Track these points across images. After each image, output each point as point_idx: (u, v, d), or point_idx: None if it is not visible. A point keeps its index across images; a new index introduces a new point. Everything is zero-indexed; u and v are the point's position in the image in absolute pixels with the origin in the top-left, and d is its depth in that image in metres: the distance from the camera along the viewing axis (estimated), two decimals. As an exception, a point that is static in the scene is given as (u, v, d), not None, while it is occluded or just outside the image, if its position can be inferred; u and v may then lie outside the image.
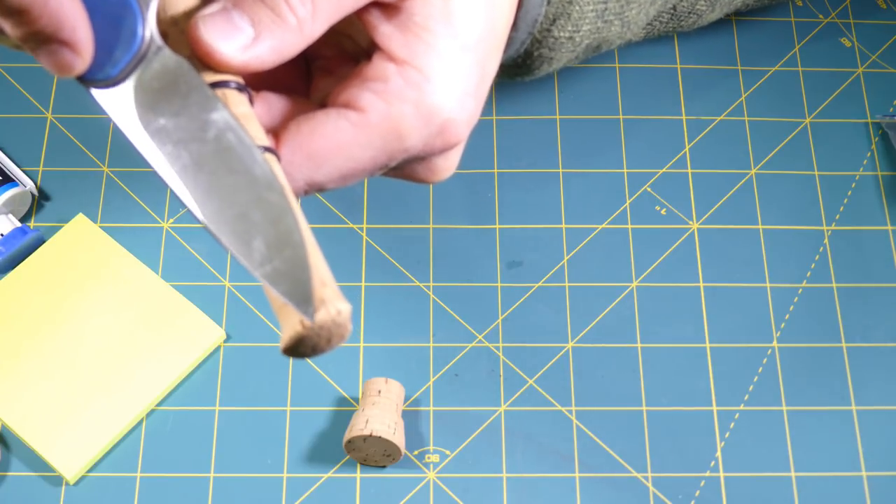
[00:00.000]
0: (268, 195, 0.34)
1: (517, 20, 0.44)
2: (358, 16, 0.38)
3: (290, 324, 0.33)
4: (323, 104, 0.39)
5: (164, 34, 0.35)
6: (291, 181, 0.37)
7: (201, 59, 0.35)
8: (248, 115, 0.36)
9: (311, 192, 0.38)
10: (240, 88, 0.36)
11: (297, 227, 0.34)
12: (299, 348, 0.34)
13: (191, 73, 0.35)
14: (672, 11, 0.58)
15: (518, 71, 0.50)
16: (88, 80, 0.34)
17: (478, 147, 0.68)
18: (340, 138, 0.37)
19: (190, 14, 0.36)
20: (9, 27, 0.32)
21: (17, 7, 0.30)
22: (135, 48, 0.34)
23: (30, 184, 0.65)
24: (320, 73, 0.42)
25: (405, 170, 0.40)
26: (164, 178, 0.34)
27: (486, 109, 0.70)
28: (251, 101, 0.37)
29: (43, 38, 0.32)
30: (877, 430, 0.62)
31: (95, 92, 0.34)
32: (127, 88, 0.34)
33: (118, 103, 0.34)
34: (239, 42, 0.35)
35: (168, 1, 0.36)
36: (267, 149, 0.35)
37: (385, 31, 0.38)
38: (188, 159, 0.34)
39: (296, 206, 0.35)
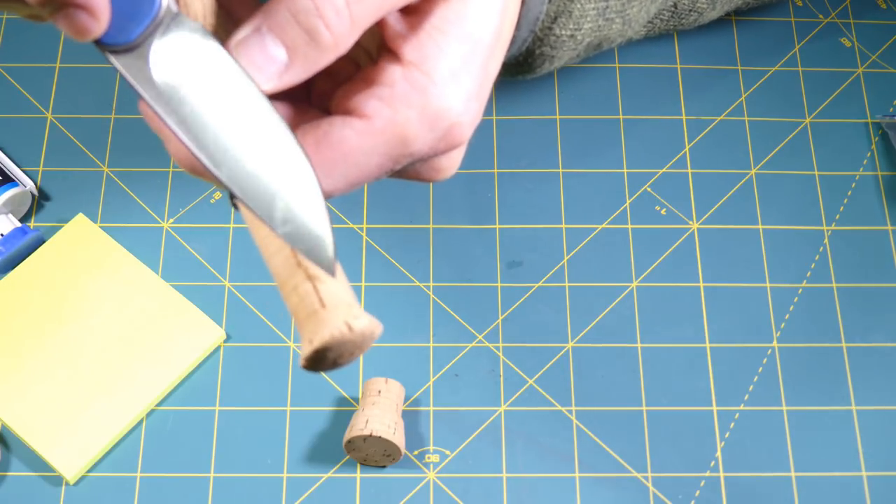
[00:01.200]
0: (286, 153, 0.34)
1: (519, 19, 0.44)
2: None
3: (329, 326, 0.33)
4: (324, 108, 0.39)
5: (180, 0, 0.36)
6: None
7: None
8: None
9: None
10: None
11: (318, 188, 0.34)
12: (328, 353, 0.34)
13: (207, 38, 0.35)
14: (673, 9, 0.58)
15: (520, 69, 0.50)
16: (106, 44, 0.34)
17: (478, 147, 0.68)
18: (346, 147, 0.37)
19: None
20: None
21: None
22: (152, 14, 0.34)
23: (30, 184, 0.65)
24: (320, 75, 0.42)
25: (409, 171, 0.40)
26: (183, 140, 0.34)
27: (486, 109, 0.70)
28: None
29: (59, 3, 0.32)
30: (877, 430, 0.62)
31: (112, 57, 0.34)
32: (143, 53, 0.34)
33: (136, 68, 0.34)
34: (272, 71, 0.35)
35: None
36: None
37: (398, 30, 0.38)
38: (206, 121, 0.34)
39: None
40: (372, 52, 0.40)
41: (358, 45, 0.42)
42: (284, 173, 0.34)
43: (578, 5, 0.47)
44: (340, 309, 0.34)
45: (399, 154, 0.38)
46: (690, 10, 0.59)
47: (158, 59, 0.34)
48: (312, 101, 0.42)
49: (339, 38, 0.35)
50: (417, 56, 0.37)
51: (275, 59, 0.35)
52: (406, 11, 0.38)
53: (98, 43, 0.34)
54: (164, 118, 0.34)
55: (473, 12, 0.38)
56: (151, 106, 0.34)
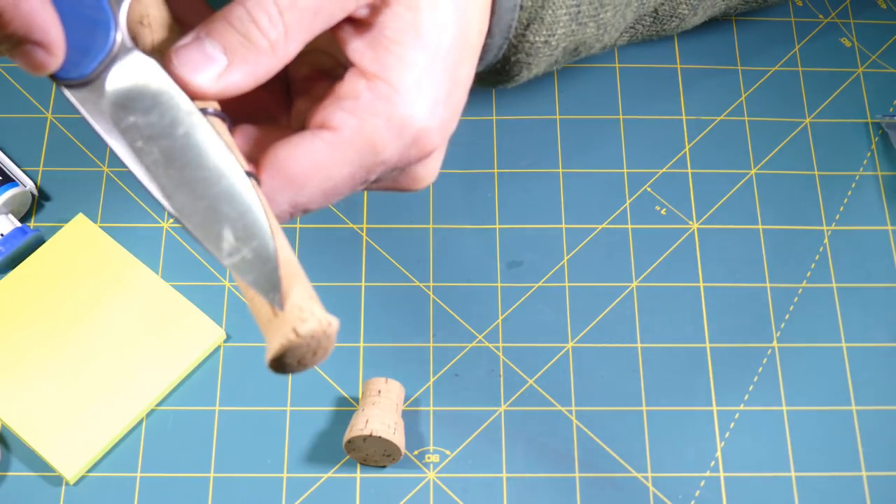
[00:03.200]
0: (237, 189, 0.35)
1: (491, 27, 0.45)
2: (332, 32, 0.39)
3: (279, 334, 0.34)
4: (303, 127, 0.40)
5: (134, 35, 0.37)
6: (275, 206, 0.38)
7: (180, 87, 0.36)
8: (227, 142, 0.36)
9: (296, 215, 0.39)
10: (218, 115, 0.37)
11: (265, 220, 0.35)
12: (285, 359, 0.34)
13: (160, 73, 0.36)
14: (654, 15, 0.59)
15: (499, 78, 0.51)
16: (62, 78, 0.35)
17: (478, 147, 0.69)
18: (317, 159, 0.38)
19: (159, 17, 0.37)
20: None
21: None
22: (107, 49, 0.35)
23: (30, 184, 0.65)
24: (299, 95, 0.43)
25: (387, 182, 0.41)
26: (135, 172, 0.35)
27: (486, 109, 0.70)
28: (230, 127, 0.38)
29: (16, 40, 0.33)
30: (877, 430, 0.62)
31: (67, 91, 0.35)
32: (99, 87, 0.36)
33: (90, 101, 0.36)
34: (213, 72, 0.36)
35: (136, 3, 0.37)
36: (248, 173, 0.36)
37: (356, 46, 0.39)
38: (158, 154, 0.35)
39: (268, 208, 0.36)
40: (347, 66, 0.41)
41: (334, 59, 0.43)
42: (231, 208, 0.35)
43: (550, 11, 0.48)
44: (291, 314, 0.34)
45: (370, 163, 0.38)
46: (672, 16, 0.60)
47: (112, 94, 0.35)
48: (292, 122, 0.43)
49: (275, 44, 0.36)
50: (379, 68, 0.38)
51: (214, 59, 0.36)
52: (360, 27, 0.39)
53: (54, 77, 0.35)
54: (115, 151, 0.35)
55: (427, 20, 0.39)
56: (103, 139, 0.35)
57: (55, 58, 0.34)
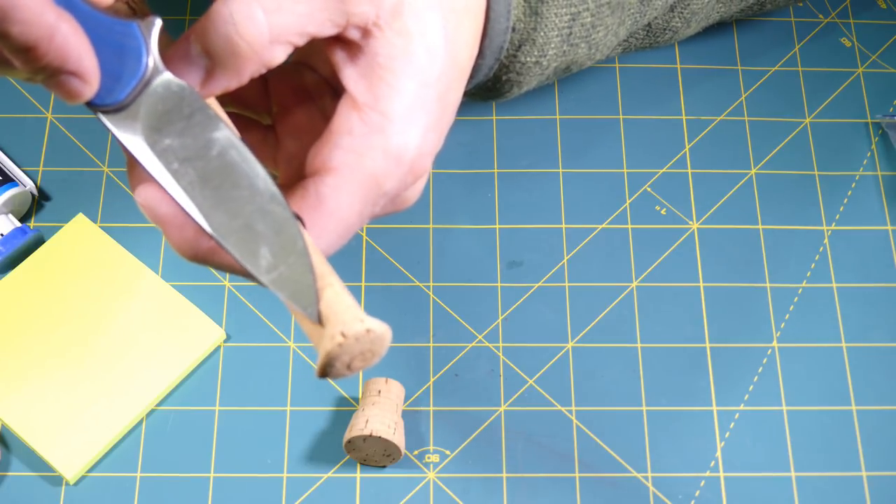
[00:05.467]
0: (271, 207, 0.36)
1: (483, 48, 0.45)
2: (326, 53, 0.40)
3: (322, 345, 0.35)
4: (298, 172, 0.41)
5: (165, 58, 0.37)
6: None
7: None
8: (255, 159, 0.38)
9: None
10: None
11: (301, 236, 0.36)
12: (332, 366, 0.36)
13: (193, 96, 0.36)
14: (647, 29, 0.60)
15: (489, 94, 0.51)
16: (97, 105, 0.36)
17: (478, 147, 0.69)
18: (327, 206, 0.38)
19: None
20: (20, 63, 0.33)
21: (25, 45, 0.32)
22: (140, 74, 0.36)
23: (30, 184, 0.65)
24: (281, 117, 0.44)
25: (384, 209, 0.42)
26: (173, 193, 0.36)
27: (486, 109, 0.70)
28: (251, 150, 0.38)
29: (52, 71, 0.34)
30: (877, 430, 0.62)
31: (104, 117, 0.36)
32: (133, 112, 0.36)
33: (126, 126, 0.36)
34: (197, 75, 0.37)
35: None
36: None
37: (349, 73, 0.39)
38: (194, 176, 0.36)
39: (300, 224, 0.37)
40: (330, 81, 0.42)
41: (318, 73, 0.44)
42: (266, 225, 0.36)
43: (542, 33, 0.48)
44: (334, 319, 0.35)
45: (375, 195, 0.39)
46: (665, 30, 0.60)
47: (146, 117, 0.36)
48: (281, 165, 0.43)
49: (256, 47, 0.37)
50: (370, 98, 0.38)
51: (199, 64, 0.37)
52: (353, 51, 0.39)
53: (89, 104, 0.36)
54: (151, 173, 0.36)
55: (417, 47, 0.39)
56: (140, 162, 0.36)
57: (90, 86, 0.35)
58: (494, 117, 0.70)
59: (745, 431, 0.61)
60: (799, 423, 0.62)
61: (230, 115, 0.42)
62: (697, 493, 0.60)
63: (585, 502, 0.59)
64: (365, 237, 0.66)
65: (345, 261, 0.65)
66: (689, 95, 0.71)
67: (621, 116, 0.70)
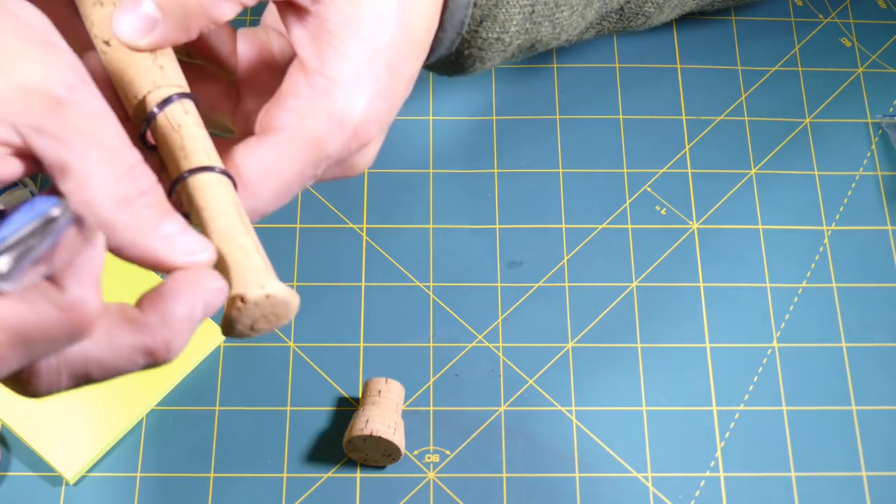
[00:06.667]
0: None
1: (443, 21, 0.46)
2: (281, 16, 0.40)
3: (226, 305, 0.35)
4: (249, 130, 0.42)
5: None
6: None
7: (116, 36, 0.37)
8: (201, 133, 0.37)
9: (255, 220, 0.39)
10: (189, 97, 0.37)
11: None
12: (235, 325, 0.36)
13: None
14: (620, 12, 0.60)
15: (452, 69, 0.52)
16: None
17: (478, 147, 0.69)
18: (267, 163, 0.38)
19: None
20: None
21: None
22: None
23: (30, 184, 0.65)
24: (246, 71, 0.44)
25: (328, 173, 0.42)
26: None
27: (486, 109, 0.70)
28: (197, 105, 0.38)
29: None
30: (877, 430, 0.62)
31: None
32: None
33: None
34: (144, 24, 0.37)
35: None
36: (223, 171, 0.36)
37: (299, 36, 0.40)
38: None
39: (237, 201, 0.37)
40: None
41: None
42: None
43: (503, 10, 0.49)
44: (236, 282, 0.35)
45: (317, 158, 0.39)
46: (637, 14, 0.61)
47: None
48: (237, 122, 0.43)
49: (204, 3, 0.37)
50: (318, 62, 0.39)
51: (147, 14, 0.37)
52: (304, 16, 0.39)
53: None
54: None
55: (369, 16, 0.39)
56: None
57: None
58: (494, 117, 0.70)
59: (745, 431, 0.61)
60: (799, 423, 0.62)
61: (196, 67, 0.42)
62: (697, 493, 0.60)
63: (585, 502, 0.59)
64: (365, 237, 0.66)
65: (345, 261, 0.65)
66: (689, 95, 0.71)
67: (621, 116, 0.70)
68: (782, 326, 0.64)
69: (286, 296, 0.35)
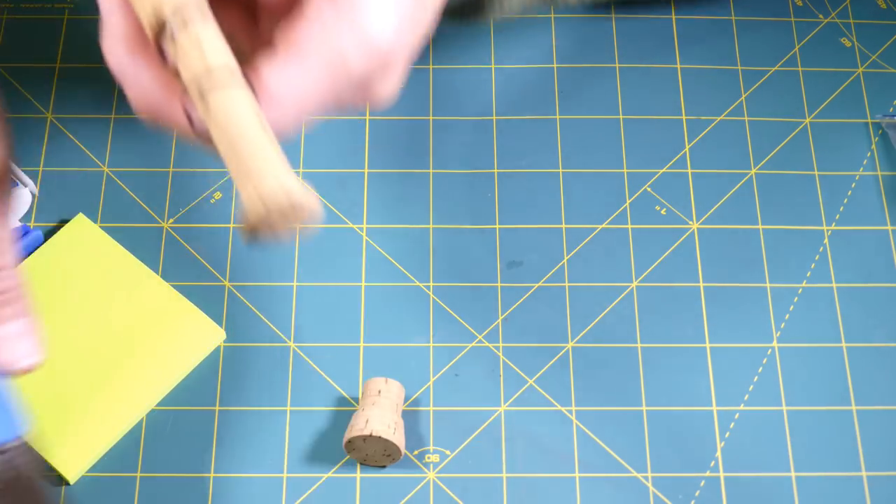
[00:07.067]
0: None
1: None
2: None
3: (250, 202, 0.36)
4: (267, 32, 0.41)
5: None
6: None
7: None
8: (218, 37, 0.37)
9: (279, 140, 0.39)
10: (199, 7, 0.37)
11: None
12: (258, 229, 0.36)
13: None
14: None
15: (472, 12, 0.50)
16: None
17: (478, 147, 0.68)
18: (291, 75, 0.38)
19: None
20: None
21: None
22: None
23: (30, 184, 0.65)
24: (264, 17, 0.43)
25: (349, 98, 0.41)
26: None
27: (486, 110, 0.70)
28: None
29: None
30: (877, 430, 0.61)
31: None
32: None
33: None
34: None
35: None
36: (242, 76, 0.36)
37: None
38: None
39: (263, 117, 0.36)
40: None
41: None
42: None
43: None
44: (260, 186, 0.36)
45: (340, 75, 0.38)
46: None
47: None
48: (255, 46, 0.42)
49: None
50: None
51: None
52: None
53: None
54: None
55: None
56: None
57: None
58: (494, 117, 0.70)
59: (745, 431, 0.61)
60: (799, 423, 0.61)
61: None
62: (697, 493, 0.60)
63: (585, 502, 0.59)
64: (365, 237, 0.66)
65: (345, 261, 0.65)
66: (689, 95, 0.71)
67: (621, 116, 0.70)
68: (782, 326, 0.64)
69: (303, 195, 0.35)
